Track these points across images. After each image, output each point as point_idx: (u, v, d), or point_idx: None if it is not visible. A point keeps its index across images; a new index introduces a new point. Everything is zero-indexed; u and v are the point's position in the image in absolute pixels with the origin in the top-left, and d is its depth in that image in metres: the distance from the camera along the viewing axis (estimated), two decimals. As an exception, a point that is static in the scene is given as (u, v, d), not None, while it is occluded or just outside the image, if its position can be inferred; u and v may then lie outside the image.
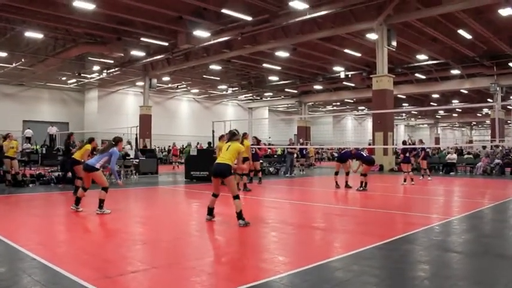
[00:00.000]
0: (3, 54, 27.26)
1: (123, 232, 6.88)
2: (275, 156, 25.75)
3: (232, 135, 7.85)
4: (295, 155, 21.44)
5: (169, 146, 37.38)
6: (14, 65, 29.51)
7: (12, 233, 6.62)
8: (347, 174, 14.53)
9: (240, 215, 7.39)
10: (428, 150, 19.26)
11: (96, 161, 8.67)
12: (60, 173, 15.10)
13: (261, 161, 18.14)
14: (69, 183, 14.12)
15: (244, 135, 13.01)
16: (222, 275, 4.64)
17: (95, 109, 41.16)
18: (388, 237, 6.42)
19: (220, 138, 13.14)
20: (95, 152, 11.13)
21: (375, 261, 5.29)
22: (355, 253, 5.47)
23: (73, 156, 11.39)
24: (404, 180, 15.47)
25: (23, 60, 28.71)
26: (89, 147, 11.21)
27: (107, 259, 5.33)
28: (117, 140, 9.02)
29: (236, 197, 7.44)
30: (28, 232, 7.01)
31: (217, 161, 7.65)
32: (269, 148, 26.35)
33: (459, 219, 8.26)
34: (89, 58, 31.11)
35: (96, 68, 33.78)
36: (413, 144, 15.45)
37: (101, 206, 8.51)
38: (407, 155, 15.84)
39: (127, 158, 19.23)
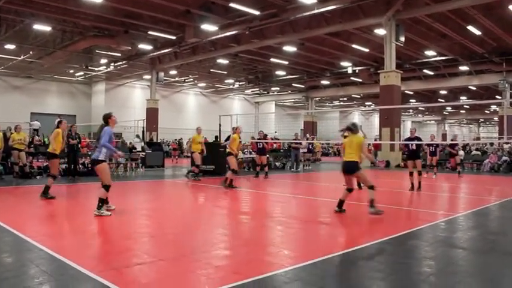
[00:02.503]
0: (12, 47, 27.37)
1: (130, 225, 6.92)
2: (281, 150, 25.73)
3: (351, 130, 8.00)
4: (301, 150, 21.37)
5: (175, 140, 37.49)
6: (22, 57, 29.64)
7: (20, 224, 6.68)
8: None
9: (371, 203, 7.74)
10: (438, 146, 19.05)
11: (99, 152, 7.64)
12: (66, 166, 15.16)
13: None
14: (76, 175, 14.23)
15: (235, 130, 13.10)
16: (228, 268, 4.66)
17: (102, 102, 41.27)
18: (393, 232, 6.41)
19: (235, 131, 13.05)
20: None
21: (381, 256, 5.30)
22: (360, 248, 5.47)
23: (48, 149, 10.25)
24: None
25: (31, 52, 28.81)
26: (59, 131, 10.14)
27: (113, 251, 5.37)
28: (107, 117, 7.88)
29: (371, 187, 7.82)
30: (36, 223, 7.07)
31: (345, 159, 7.91)
32: (275, 143, 26.36)
33: (465, 216, 8.23)
34: (97, 51, 31.17)
35: (103, 61, 33.85)
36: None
37: (99, 207, 7.46)
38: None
39: (133, 151, 19.31)
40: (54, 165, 10.01)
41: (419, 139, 12.62)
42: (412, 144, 12.35)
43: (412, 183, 12.30)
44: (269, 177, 16.28)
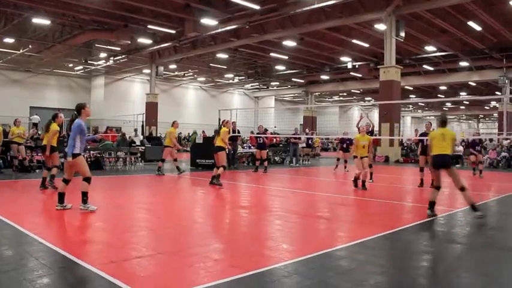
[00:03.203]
0: (11, 41, 27.28)
1: (129, 218, 6.93)
2: (280, 145, 25.75)
3: (442, 123, 7.58)
4: (299, 145, 21.41)
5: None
6: (21, 51, 29.54)
7: (20, 218, 6.69)
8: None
9: (430, 204, 7.34)
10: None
11: (71, 146, 7.14)
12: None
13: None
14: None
15: (223, 122, 12.57)
16: (227, 261, 4.68)
17: (102, 96, 41.20)
18: (392, 227, 6.43)
19: (223, 124, 12.46)
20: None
21: (380, 250, 5.31)
22: (359, 242, 5.48)
23: (44, 142, 10.26)
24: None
25: (30, 46, 28.72)
26: (56, 126, 10.19)
27: (112, 244, 5.38)
28: (80, 107, 7.39)
29: (462, 189, 7.19)
30: (35, 217, 7.08)
31: (438, 152, 7.21)
32: (274, 137, 26.36)
33: (464, 211, 8.24)
34: (96, 45, 31.08)
35: (103, 55, 33.77)
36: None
37: (84, 201, 7.20)
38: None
39: (133, 145, 19.30)
40: (55, 158, 10.29)
41: None
42: (426, 140, 12.02)
43: (422, 179, 11.97)
44: (268, 171, 16.30)
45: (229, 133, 12.76)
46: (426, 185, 11.82)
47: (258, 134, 17.37)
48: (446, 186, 11.48)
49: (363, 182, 11.05)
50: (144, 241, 5.58)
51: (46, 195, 9.51)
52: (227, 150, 12.58)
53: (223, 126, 12.26)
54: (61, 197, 7.32)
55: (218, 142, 11.75)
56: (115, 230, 6.34)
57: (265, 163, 16.70)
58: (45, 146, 10.09)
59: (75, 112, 7.38)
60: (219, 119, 19.09)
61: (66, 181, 7.37)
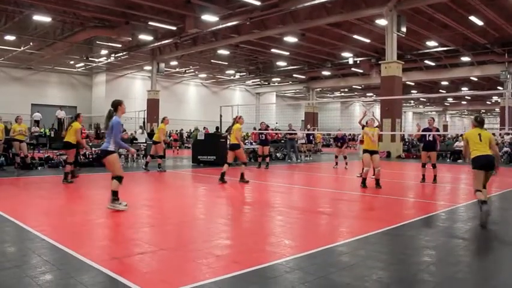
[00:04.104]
0: (12, 38, 27.26)
1: (131, 215, 6.94)
2: (282, 141, 25.75)
3: (480, 123, 7.01)
4: (298, 141, 21.39)
5: (177, 131, 37.51)
6: (22, 48, 29.55)
7: (22, 215, 6.71)
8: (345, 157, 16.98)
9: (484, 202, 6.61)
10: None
11: (108, 143, 7.15)
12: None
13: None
14: (82, 166, 14.21)
15: (236, 118, 12.15)
16: (229, 257, 4.68)
17: (103, 93, 41.20)
18: (394, 222, 6.43)
19: (236, 120, 12.02)
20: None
21: (381, 246, 5.32)
22: (361, 238, 5.49)
23: (65, 139, 11.05)
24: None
25: (31, 44, 28.71)
26: (77, 125, 11.00)
27: (114, 241, 5.40)
28: (116, 104, 7.30)
29: (485, 187, 6.77)
30: (37, 214, 7.09)
31: (481, 154, 6.66)
32: (276, 133, 26.36)
33: (466, 206, 8.24)
34: (97, 42, 31.08)
35: (104, 52, 33.77)
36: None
37: (113, 200, 7.09)
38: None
39: (134, 142, 19.31)
40: (71, 154, 11.11)
41: (438, 130, 12.08)
42: (429, 135, 11.92)
43: (423, 175, 12.01)
44: (269, 168, 16.30)
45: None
46: (428, 181, 11.85)
47: (260, 130, 17.37)
48: (448, 181, 11.52)
49: (377, 180, 10.51)
50: (146, 237, 5.59)
51: (48, 192, 9.52)
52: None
53: (236, 122, 11.91)
54: (113, 194, 7.19)
55: (232, 139, 11.68)
56: (117, 226, 6.35)
57: (267, 159, 16.69)
58: (66, 142, 10.96)
59: (111, 108, 7.28)
60: (221, 116, 19.15)
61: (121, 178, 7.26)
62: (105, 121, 7.31)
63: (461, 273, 4.32)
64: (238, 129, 11.72)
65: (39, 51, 31.06)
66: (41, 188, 10.35)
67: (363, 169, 10.77)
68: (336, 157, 17.50)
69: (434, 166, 11.97)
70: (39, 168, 14.46)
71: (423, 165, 12.16)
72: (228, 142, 12.41)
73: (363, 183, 10.60)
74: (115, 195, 7.09)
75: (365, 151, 10.79)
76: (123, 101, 7.57)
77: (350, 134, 34.71)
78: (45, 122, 30.07)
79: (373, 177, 10.76)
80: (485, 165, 6.68)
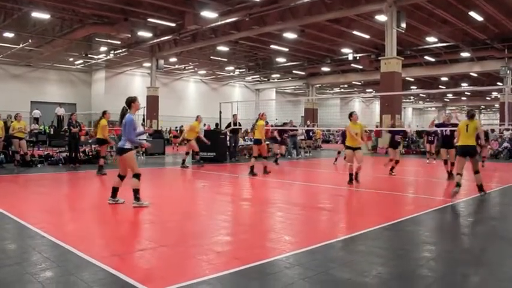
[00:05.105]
0: (11, 35, 27.18)
1: (132, 212, 6.94)
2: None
3: (469, 117, 8.47)
4: (298, 137, 21.43)
5: (176, 128, 37.50)
6: (21, 45, 29.46)
7: (22, 212, 6.71)
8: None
9: (480, 187, 8.43)
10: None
11: (124, 141, 7.18)
12: (67, 154, 15.14)
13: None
14: (77, 163, 14.22)
15: (260, 115, 12.94)
16: (230, 253, 4.69)
17: (102, 90, 41.15)
18: (394, 218, 6.44)
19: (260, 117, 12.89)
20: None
21: (381, 241, 5.33)
22: (361, 234, 5.50)
23: (97, 136, 12.52)
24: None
25: (30, 41, 28.63)
26: (104, 122, 12.30)
27: (115, 237, 5.40)
28: (130, 101, 7.36)
29: (477, 172, 8.40)
30: (38, 211, 7.10)
31: (463, 143, 8.26)
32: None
33: (466, 202, 8.25)
34: (96, 39, 30.98)
35: (103, 48, 33.66)
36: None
37: (137, 198, 7.11)
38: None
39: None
40: (103, 149, 12.55)
41: (454, 126, 10.93)
42: (445, 131, 11.47)
43: (448, 171, 11.56)
44: (268, 164, 16.29)
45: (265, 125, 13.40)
46: (422, 175, 11.83)
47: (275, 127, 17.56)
48: (446, 177, 11.51)
49: (356, 174, 10.40)
50: (146, 234, 5.60)
51: (48, 190, 9.52)
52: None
53: (260, 119, 12.73)
54: (114, 192, 7.32)
55: (257, 135, 12.60)
56: (117, 223, 6.36)
57: (278, 155, 17.01)
58: (98, 139, 12.43)
59: (125, 106, 7.32)
60: (220, 112, 19.13)
61: (120, 177, 7.34)
62: (119, 118, 7.34)
63: (460, 268, 4.33)
64: (262, 126, 12.63)
65: (38, 48, 30.98)
66: (40, 185, 10.35)
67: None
68: (339, 153, 17.34)
69: (452, 164, 11.25)
70: (39, 165, 14.45)
71: (445, 162, 11.69)
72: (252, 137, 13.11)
73: (350, 180, 10.29)
74: (137, 193, 7.11)
75: (348, 147, 10.55)
76: (137, 97, 7.59)
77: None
78: (44, 120, 30.05)
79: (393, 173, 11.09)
80: (464, 152, 8.23)
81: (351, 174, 10.32)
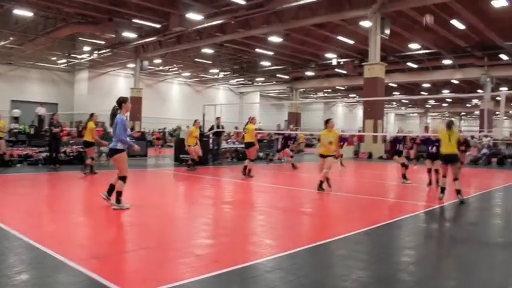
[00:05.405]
0: (-9, 32, 26.80)
1: (112, 214, 6.86)
2: (264, 141, 25.76)
3: (448, 127, 8.95)
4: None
5: (159, 129, 37.29)
6: (2, 43, 29.01)
7: (-1, 212, 6.59)
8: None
9: (458, 191, 8.81)
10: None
11: (116, 141, 7.10)
12: (47, 154, 14.91)
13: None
14: (58, 164, 14.01)
15: (250, 119, 13.35)
16: (209, 256, 4.66)
17: (85, 90, 40.69)
18: (375, 222, 6.48)
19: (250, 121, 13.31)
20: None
21: (362, 245, 5.35)
22: (342, 238, 5.52)
23: (84, 138, 12.54)
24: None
25: (11, 38, 28.20)
26: (92, 124, 12.37)
27: (94, 240, 5.33)
28: (121, 101, 7.25)
29: (456, 179, 8.89)
30: (15, 212, 6.96)
31: (446, 152, 8.89)
32: (259, 133, 26.41)
33: (445, 207, 8.36)
34: (80, 38, 30.68)
35: (86, 48, 33.33)
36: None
37: (118, 200, 7.02)
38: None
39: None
40: (90, 151, 12.46)
41: (466, 141, 11.56)
42: (432, 148, 11.19)
43: (431, 179, 11.62)
44: (252, 167, 16.29)
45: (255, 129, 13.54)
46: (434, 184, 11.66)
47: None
48: (426, 182, 11.64)
49: (321, 182, 9.81)
50: (126, 236, 5.55)
51: (26, 189, 9.37)
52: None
53: (250, 122, 13.19)
54: (111, 189, 7.25)
55: (247, 138, 12.98)
56: (97, 225, 6.28)
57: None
58: (85, 141, 12.40)
59: (116, 105, 7.21)
60: (204, 115, 19.07)
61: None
62: (110, 118, 7.25)
63: (438, 272, 4.37)
64: (253, 129, 12.97)
65: (19, 46, 30.50)
66: (19, 185, 10.17)
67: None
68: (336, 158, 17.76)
69: (436, 171, 10.93)
70: (18, 165, 14.21)
71: (428, 171, 11.61)
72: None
73: (320, 186, 9.83)
74: (120, 195, 7.04)
75: (320, 155, 10.08)
76: (128, 98, 7.59)
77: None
78: (25, 119, 29.57)
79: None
80: (448, 160, 8.94)
81: (322, 182, 9.88)
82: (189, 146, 14.86)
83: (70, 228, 5.92)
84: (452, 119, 9.23)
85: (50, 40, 28.58)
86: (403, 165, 12.29)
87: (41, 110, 28.95)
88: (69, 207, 7.55)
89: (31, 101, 36.20)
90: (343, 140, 18.19)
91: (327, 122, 10.16)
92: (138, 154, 20.15)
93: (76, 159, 15.25)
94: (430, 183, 11.62)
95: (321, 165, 9.99)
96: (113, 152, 7.13)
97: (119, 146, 7.09)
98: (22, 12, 22.73)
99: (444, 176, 9.01)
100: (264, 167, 17.49)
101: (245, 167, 12.89)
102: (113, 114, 7.17)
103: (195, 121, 15.61)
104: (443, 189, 8.93)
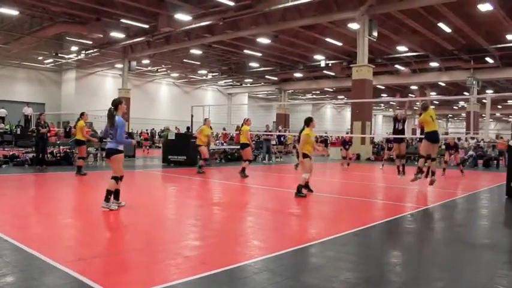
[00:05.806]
0: (-24, 31, 26.45)
1: (99, 215, 6.81)
2: (253, 141, 25.81)
3: (424, 109, 10.07)
4: (272, 142, 21.56)
5: (147, 130, 37.11)
6: (-14, 42, 28.70)
7: (-16, 214, 6.50)
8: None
9: (432, 173, 10.51)
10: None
11: (116, 143, 7.15)
12: (34, 155, 14.75)
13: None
14: (45, 164, 13.87)
15: (245, 121, 13.68)
16: (197, 258, 4.65)
17: (72, 90, 40.37)
18: (363, 224, 6.51)
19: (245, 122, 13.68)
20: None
21: (350, 247, 5.37)
22: (330, 239, 5.54)
23: (76, 137, 12.81)
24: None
25: (-4, 37, 27.92)
26: (82, 123, 12.64)
27: (82, 241, 5.28)
28: (117, 103, 7.24)
29: (434, 159, 10.30)
30: (1, 213, 6.88)
31: (431, 130, 9.78)
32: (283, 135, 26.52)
33: (433, 208, 8.43)
34: (67, 38, 30.41)
35: (74, 48, 33.06)
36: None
37: (107, 199, 7.04)
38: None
39: (104, 140, 18.96)
40: (82, 150, 12.78)
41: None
42: (397, 125, 14.13)
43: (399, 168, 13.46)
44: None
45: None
46: (392, 181, 12.04)
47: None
48: (416, 184, 11.73)
49: (301, 186, 9.30)
50: (114, 238, 5.50)
51: (12, 191, 9.26)
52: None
53: (245, 124, 13.49)
54: (116, 194, 7.26)
55: (242, 139, 13.27)
56: (85, 226, 6.22)
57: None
58: (76, 140, 12.72)
59: (112, 107, 7.20)
60: (192, 115, 19.02)
61: (120, 178, 7.28)
62: (108, 120, 7.18)
63: (426, 273, 4.41)
64: (247, 131, 13.23)
65: (5, 45, 30.16)
66: (5, 186, 10.05)
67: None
68: (344, 158, 19.10)
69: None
70: (3, 166, 14.04)
71: (397, 156, 13.96)
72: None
73: (304, 189, 9.45)
74: (109, 194, 7.05)
75: (306, 156, 9.34)
76: (123, 100, 7.63)
77: (321, 136, 35.12)
78: (11, 119, 29.23)
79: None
80: (435, 139, 9.74)
81: (307, 184, 9.50)
82: (199, 146, 14.10)
83: (57, 230, 5.86)
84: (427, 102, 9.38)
85: (36, 39, 28.31)
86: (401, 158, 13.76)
87: (28, 110, 28.64)
88: (56, 208, 7.48)
89: (17, 100, 35.83)
90: (347, 142, 19.71)
91: (310, 120, 9.51)
92: (126, 155, 20.09)
93: (63, 160, 15.11)
94: (399, 173, 13.29)
95: (310, 167, 9.48)
96: (113, 152, 7.18)
97: (120, 147, 7.19)
98: (7, 11, 22.46)
99: (424, 157, 9.90)
100: (255, 168, 17.48)
101: (243, 169, 13.07)
102: (111, 116, 7.14)
103: (205, 120, 14.67)
104: (420, 170, 10.09)
